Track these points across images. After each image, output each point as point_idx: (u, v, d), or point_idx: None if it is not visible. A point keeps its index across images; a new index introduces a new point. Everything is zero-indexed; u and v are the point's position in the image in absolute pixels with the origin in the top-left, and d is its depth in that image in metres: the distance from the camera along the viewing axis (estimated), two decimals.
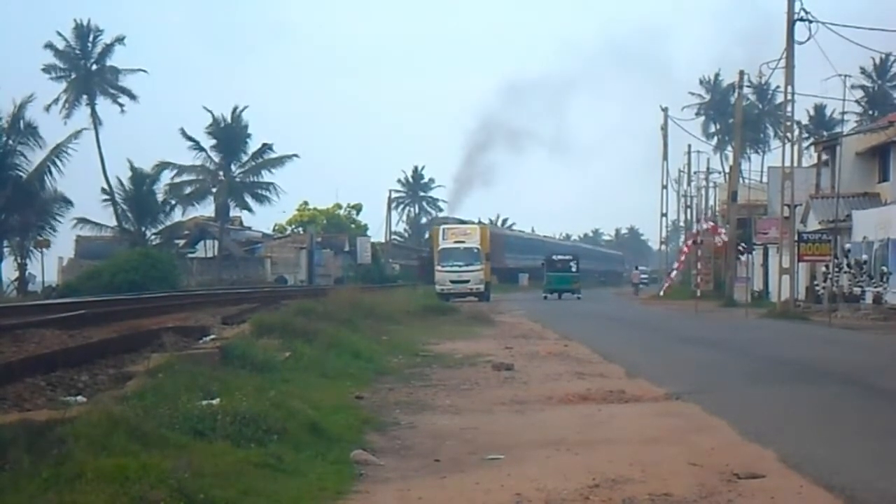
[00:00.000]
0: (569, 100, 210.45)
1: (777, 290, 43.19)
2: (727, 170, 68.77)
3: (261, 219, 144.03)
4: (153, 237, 64.77)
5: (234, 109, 66.80)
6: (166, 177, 65.52)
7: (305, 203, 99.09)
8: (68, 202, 56.96)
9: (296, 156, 69.43)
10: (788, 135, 44.94)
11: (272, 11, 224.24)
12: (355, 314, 25.68)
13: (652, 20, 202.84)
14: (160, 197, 65.13)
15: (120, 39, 68.80)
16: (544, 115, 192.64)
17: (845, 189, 44.43)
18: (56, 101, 66.68)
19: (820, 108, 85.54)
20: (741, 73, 55.82)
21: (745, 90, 66.03)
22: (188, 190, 66.28)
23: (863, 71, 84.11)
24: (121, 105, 68.67)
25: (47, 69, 67.50)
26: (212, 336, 17.13)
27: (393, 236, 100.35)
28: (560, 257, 66.18)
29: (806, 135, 75.15)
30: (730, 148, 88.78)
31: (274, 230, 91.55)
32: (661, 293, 61.52)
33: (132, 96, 68.87)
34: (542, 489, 8.26)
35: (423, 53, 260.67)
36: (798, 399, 13.93)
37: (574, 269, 62.93)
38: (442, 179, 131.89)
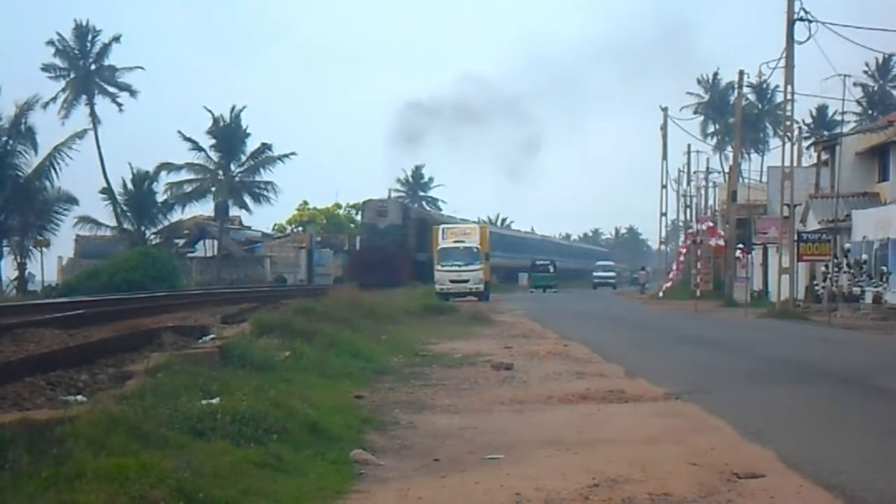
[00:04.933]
0: (566, 100, 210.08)
1: (777, 289, 43.19)
2: (726, 169, 68.79)
3: (260, 218, 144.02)
4: (153, 236, 64.79)
5: (233, 109, 66.88)
6: (166, 176, 65.59)
7: (305, 203, 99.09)
8: (73, 200, 57.12)
9: (293, 153, 69.46)
10: (788, 134, 44.94)
11: (272, 11, 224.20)
12: (355, 314, 25.68)
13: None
14: (160, 196, 65.21)
15: (116, 38, 68.97)
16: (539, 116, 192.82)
17: (845, 189, 44.43)
18: (54, 99, 66.79)
19: (822, 109, 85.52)
20: (741, 72, 55.79)
21: (745, 89, 65.96)
22: (187, 189, 66.26)
23: (866, 70, 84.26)
24: (119, 104, 68.82)
25: (46, 68, 67.70)
26: (211, 336, 17.14)
27: None
28: (541, 262, 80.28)
29: (806, 134, 75.15)
30: (729, 147, 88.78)
31: (273, 230, 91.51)
32: (661, 293, 61.52)
33: (132, 92, 68.96)
34: (541, 489, 8.26)
35: (422, 53, 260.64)
36: (798, 399, 13.93)
37: (551, 271, 78.71)
38: (441, 179, 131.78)
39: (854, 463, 9.22)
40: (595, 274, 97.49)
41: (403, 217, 68.07)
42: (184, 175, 66.33)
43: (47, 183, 54.80)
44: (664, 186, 74.50)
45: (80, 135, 57.87)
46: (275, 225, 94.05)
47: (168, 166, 65.28)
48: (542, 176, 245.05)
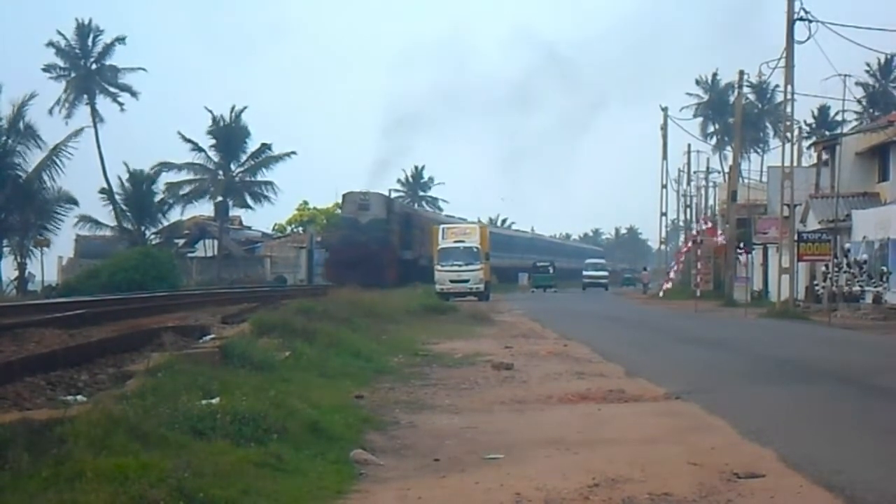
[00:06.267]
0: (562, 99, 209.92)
1: (777, 289, 43.20)
2: (726, 169, 68.82)
3: (260, 218, 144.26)
4: (153, 236, 64.78)
5: (233, 109, 66.87)
6: (166, 176, 65.62)
7: (305, 203, 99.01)
8: (73, 201, 57.12)
9: (293, 153, 69.40)
10: (788, 134, 44.95)
11: (272, 11, 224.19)
12: (355, 313, 25.69)
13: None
14: (159, 196, 65.19)
15: (120, 39, 69.10)
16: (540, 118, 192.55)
17: (845, 189, 44.43)
18: (58, 101, 66.94)
19: (823, 109, 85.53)
20: (741, 72, 55.83)
21: (745, 89, 65.96)
22: (187, 189, 66.28)
23: (868, 69, 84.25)
24: (120, 104, 68.91)
25: (48, 68, 67.80)
26: (211, 335, 17.14)
27: None
28: (541, 264, 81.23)
29: (807, 134, 75.14)
30: (729, 148, 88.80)
31: (274, 230, 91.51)
32: (661, 293, 61.56)
33: (133, 93, 69.05)
34: (541, 488, 8.27)
35: (422, 52, 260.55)
36: (798, 399, 13.94)
37: (551, 272, 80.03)
38: (441, 178, 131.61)
39: (854, 463, 9.22)
40: (585, 273, 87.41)
41: (387, 211, 62.45)
42: (184, 175, 66.43)
43: (47, 182, 54.85)
44: (664, 186, 74.62)
45: (78, 133, 57.83)
46: (275, 225, 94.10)
47: (167, 165, 65.30)
48: (542, 174, 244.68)
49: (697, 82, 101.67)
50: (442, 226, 57.48)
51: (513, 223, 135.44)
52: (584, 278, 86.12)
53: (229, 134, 66.01)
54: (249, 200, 67.79)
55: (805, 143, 62.59)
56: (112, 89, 68.66)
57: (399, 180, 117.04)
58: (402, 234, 63.86)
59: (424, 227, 67.44)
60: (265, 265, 74.86)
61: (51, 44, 67.52)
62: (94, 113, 68.20)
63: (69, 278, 54.55)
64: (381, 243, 59.36)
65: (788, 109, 42.29)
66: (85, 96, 67.97)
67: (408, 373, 17.20)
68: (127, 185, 63.70)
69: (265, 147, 67.87)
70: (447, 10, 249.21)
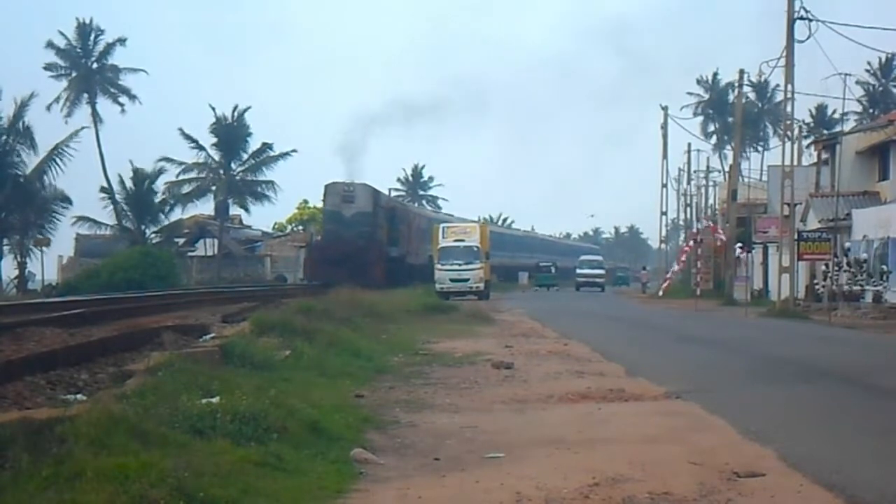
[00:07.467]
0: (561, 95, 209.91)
1: (777, 288, 43.20)
2: (726, 168, 68.84)
3: (261, 217, 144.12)
4: (153, 235, 64.70)
5: (235, 108, 66.77)
6: (166, 175, 65.52)
7: (306, 202, 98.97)
8: (67, 200, 57.02)
9: (294, 150, 69.27)
10: (788, 133, 44.94)
11: (272, 11, 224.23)
12: (355, 313, 25.68)
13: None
14: (160, 196, 65.13)
15: (122, 40, 69.12)
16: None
17: (845, 188, 44.43)
18: (57, 100, 66.98)
19: (822, 108, 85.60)
20: (741, 71, 55.86)
21: (745, 88, 65.96)
22: (188, 188, 66.21)
23: (868, 69, 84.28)
24: (121, 105, 68.92)
25: (49, 67, 67.78)
26: (212, 335, 17.17)
27: None
28: (544, 264, 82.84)
29: (806, 133, 75.14)
30: (729, 147, 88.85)
31: (274, 229, 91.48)
32: (661, 292, 61.53)
33: (132, 96, 69.11)
34: (541, 488, 8.27)
35: (421, 52, 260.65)
36: (798, 398, 13.94)
37: (553, 271, 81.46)
38: (441, 178, 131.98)
39: (854, 462, 9.23)
40: (579, 272, 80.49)
41: (374, 204, 56.80)
42: (184, 173, 66.34)
43: (46, 182, 54.81)
44: (664, 185, 74.58)
45: (77, 132, 57.77)
46: (275, 224, 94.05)
47: (168, 162, 65.23)
48: (542, 173, 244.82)
49: (698, 81, 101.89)
50: (442, 224, 57.18)
51: (512, 222, 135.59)
52: (577, 277, 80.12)
53: (230, 133, 65.92)
54: (250, 200, 67.72)
55: (805, 142, 62.63)
56: (112, 90, 68.71)
57: (399, 179, 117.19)
58: (389, 229, 59.97)
59: (412, 222, 66.47)
60: (265, 264, 74.83)
61: (51, 44, 67.60)
62: (95, 113, 68.26)
63: (69, 277, 54.57)
64: (368, 239, 54.92)
65: (788, 108, 42.33)
66: (86, 95, 67.99)
67: (408, 372, 17.20)
68: (128, 183, 63.66)
69: (266, 146, 67.84)
70: (448, 8, 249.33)
